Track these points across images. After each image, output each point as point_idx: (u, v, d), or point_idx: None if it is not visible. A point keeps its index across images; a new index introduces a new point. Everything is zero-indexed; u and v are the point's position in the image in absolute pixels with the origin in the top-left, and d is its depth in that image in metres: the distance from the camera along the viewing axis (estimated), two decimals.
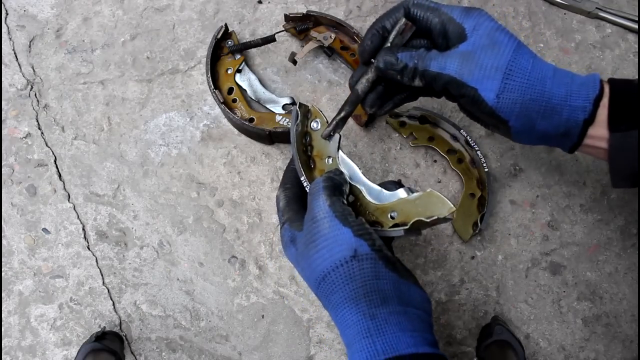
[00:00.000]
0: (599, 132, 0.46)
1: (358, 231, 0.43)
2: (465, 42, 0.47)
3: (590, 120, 0.46)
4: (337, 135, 0.51)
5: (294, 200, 0.50)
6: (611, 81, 0.47)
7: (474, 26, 0.47)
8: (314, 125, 0.52)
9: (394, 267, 0.43)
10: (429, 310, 0.45)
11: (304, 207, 0.48)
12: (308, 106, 0.52)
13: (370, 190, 0.49)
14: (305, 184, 0.50)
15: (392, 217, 0.47)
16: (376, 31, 0.51)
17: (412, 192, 0.47)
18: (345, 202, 0.47)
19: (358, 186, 0.49)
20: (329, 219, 0.44)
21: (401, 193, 0.47)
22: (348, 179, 0.49)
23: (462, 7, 0.49)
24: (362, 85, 0.51)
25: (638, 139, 0.44)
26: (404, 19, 0.49)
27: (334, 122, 0.51)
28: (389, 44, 0.51)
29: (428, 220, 0.44)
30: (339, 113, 0.51)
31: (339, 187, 0.47)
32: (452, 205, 0.44)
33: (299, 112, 0.51)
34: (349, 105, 0.52)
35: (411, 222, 0.44)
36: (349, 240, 0.42)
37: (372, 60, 0.51)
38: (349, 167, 0.51)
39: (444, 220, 0.44)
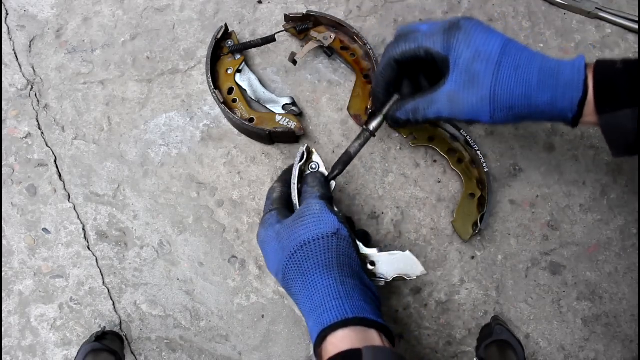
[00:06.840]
0: (589, 118, 0.50)
1: (341, 220, 0.51)
2: (448, 79, 0.52)
3: (578, 116, 0.50)
4: (332, 182, 0.57)
5: (286, 200, 0.56)
6: (597, 65, 0.49)
7: (455, 59, 0.51)
8: (313, 166, 0.57)
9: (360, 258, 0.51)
10: (379, 300, 0.52)
11: (291, 213, 0.54)
12: (312, 150, 0.58)
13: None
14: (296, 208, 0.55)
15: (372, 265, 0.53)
16: (381, 90, 0.58)
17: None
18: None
19: None
20: (320, 205, 0.51)
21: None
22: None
23: (442, 34, 0.52)
24: (354, 148, 0.58)
25: (638, 117, 0.47)
26: (396, 96, 0.57)
27: (330, 175, 0.57)
28: (385, 112, 0.57)
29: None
30: (332, 171, 0.57)
31: (330, 199, 0.54)
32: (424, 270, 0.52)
33: (305, 153, 0.56)
34: (341, 165, 0.58)
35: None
36: (334, 222, 0.50)
37: (364, 127, 0.58)
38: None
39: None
